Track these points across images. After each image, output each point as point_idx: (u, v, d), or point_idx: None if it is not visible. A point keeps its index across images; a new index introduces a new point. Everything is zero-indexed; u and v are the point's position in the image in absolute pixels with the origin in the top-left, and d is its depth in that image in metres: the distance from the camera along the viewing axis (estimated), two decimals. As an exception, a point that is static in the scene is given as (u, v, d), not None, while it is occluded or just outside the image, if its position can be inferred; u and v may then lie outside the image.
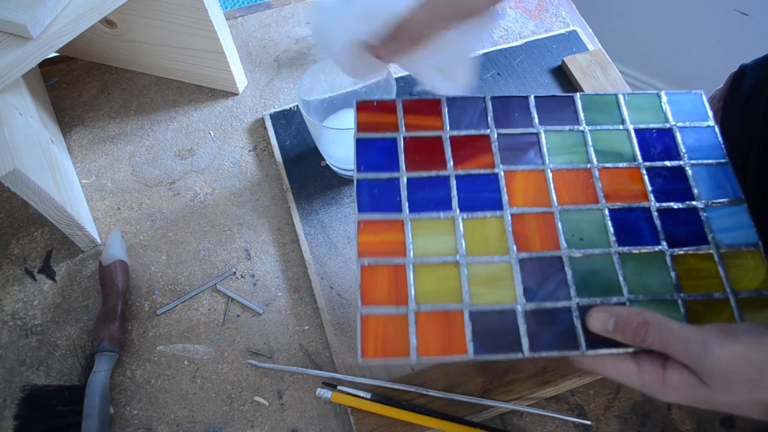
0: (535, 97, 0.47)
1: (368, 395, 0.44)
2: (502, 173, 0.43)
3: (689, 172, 0.44)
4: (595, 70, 0.63)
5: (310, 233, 0.54)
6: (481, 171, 0.43)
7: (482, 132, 0.45)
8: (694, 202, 0.43)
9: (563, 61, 0.64)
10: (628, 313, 0.35)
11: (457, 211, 0.41)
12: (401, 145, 0.44)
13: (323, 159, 0.58)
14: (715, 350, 0.32)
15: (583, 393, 0.46)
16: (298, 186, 0.57)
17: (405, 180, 0.42)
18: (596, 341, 0.36)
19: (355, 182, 0.42)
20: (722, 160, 0.45)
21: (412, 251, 0.40)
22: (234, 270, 0.53)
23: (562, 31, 0.68)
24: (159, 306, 0.52)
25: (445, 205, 0.42)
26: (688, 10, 1.14)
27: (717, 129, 0.46)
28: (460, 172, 0.43)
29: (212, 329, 0.51)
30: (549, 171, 0.43)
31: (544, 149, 0.44)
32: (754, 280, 0.39)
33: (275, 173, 0.60)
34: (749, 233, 0.41)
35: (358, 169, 0.42)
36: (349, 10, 0.38)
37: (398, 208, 0.41)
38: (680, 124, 0.47)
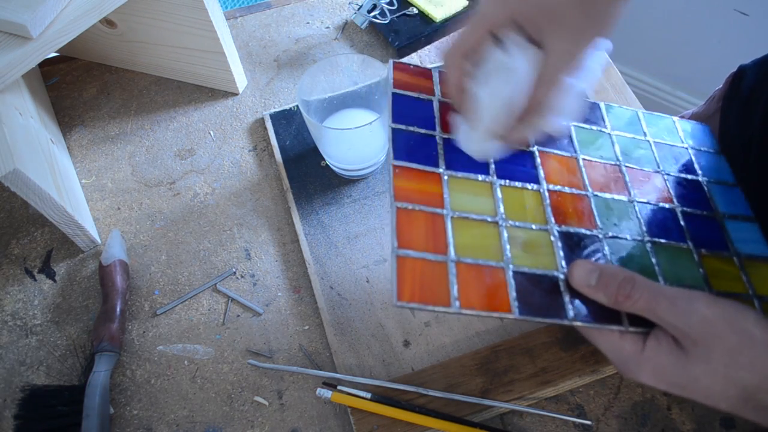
0: None
1: (368, 395, 0.44)
2: (537, 152, 0.44)
3: (706, 187, 0.46)
4: (596, 70, 0.63)
5: (310, 233, 0.54)
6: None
7: None
8: (713, 212, 0.44)
9: (563, 61, 0.64)
10: (614, 269, 0.34)
11: (495, 177, 0.41)
12: (437, 106, 0.43)
13: (323, 159, 0.58)
14: (702, 309, 0.32)
15: (583, 393, 0.46)
16: (298, 186, 0.57)
17: (442, 138, 0.41)
18: (638, 320, 0.35)
19: (390, 131, 0.40)
20: (733, 182, 0.47)
21: (449, 204, 0.38)
22: (234, 270, 0.53)
23: (562, 31, 0.68)
24: (159, 306, 0.52)
25: (482, 170, 0.41)
26: (688, 10, 1.14)
27: (724, 158, 0.49)
28: None
29: (212, 329, 0.51)
30: (581, 159, 0.44)
31: (575, 141, 0.46)
32: None
33: (275, 173, 0.60)
34: (764, 248, 0.43)
35: (394, 120, 0.41)
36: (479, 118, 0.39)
37: (435, 163, 0.40)
38: (694, 147, 0.49)
